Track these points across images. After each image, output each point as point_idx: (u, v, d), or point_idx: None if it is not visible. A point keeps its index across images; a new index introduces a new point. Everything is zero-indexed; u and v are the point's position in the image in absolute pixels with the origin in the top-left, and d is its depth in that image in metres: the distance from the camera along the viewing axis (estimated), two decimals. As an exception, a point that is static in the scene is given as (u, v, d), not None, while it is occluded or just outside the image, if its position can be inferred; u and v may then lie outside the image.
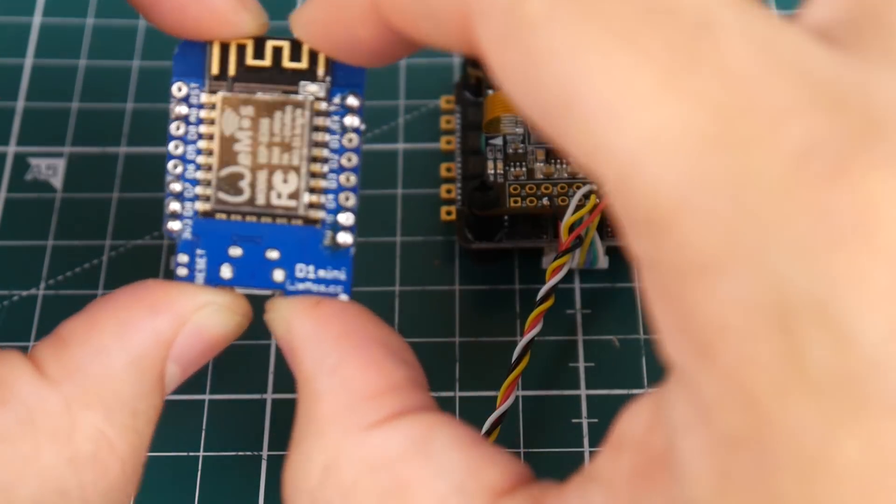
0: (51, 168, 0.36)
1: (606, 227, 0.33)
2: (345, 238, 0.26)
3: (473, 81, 0.35)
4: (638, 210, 0.16)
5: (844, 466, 0.15)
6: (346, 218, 0.26)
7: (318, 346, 0.23)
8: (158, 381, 0.24)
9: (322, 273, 0.26)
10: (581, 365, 0.32)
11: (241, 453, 0.31)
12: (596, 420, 0.32)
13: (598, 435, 0.31)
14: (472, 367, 0.32)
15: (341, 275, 0.26)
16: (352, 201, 0.26)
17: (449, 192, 0.35)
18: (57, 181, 0.36)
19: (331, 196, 0.26)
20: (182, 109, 0.26)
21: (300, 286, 0.26)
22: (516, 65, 0.17)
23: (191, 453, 0.31)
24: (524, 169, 0.33)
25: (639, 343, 0.33)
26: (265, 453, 0.31)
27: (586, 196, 0.31)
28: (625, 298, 0.34)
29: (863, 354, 0.14)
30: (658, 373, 0.32)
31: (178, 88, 0.26)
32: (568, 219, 0.31)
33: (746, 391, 0.15)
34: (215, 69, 0.26)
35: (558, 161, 0.33)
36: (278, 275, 0.26)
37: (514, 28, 0.17)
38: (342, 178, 0.26)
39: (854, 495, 0.15)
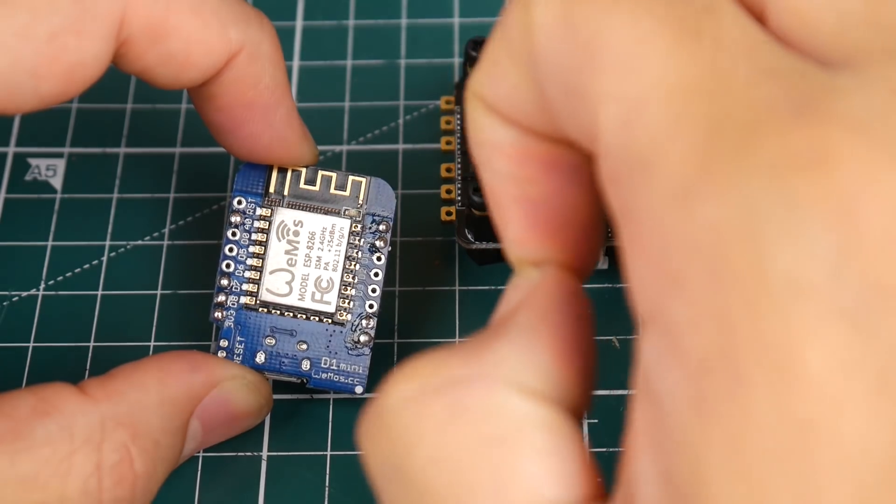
0: (51, 168, 0.36)
1: (606, 228, 0.33)
2: (365, 339, 0.31)
3: (473, 82, 0.35)
4: (634, 149, 0.18)
5: (811, 376, 0.16)
6: (368, 322, 0.31)
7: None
8: (182, 428, 0.28)
9: (343, 366, 0.31)
10: (581, 365, 0.32)
11: (241, 453, 0.31)
12: (596, 420, 0.32)
13: (599, 435, 0.31)
14: (471, 367, 0.32)
15: (359, 369, 0.31)
16: (374, 308, 0.31)
17: (449, 192, 0.35)
18: (57, 181, 0.36)
19: (357, 302, 0.31)
20: (239, 218, 0.31)
21: (323, 376, 0.31)
22: (558, 22, 0.19)
23: (191, 453, 0.31)
24: (524, 169, 0.33)
25: (639, 343, 0.33)
26: (265, 453, 0.31)
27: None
28: (624, 298, 0.34)
29: (821, 266, 0.16)
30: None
31: (239, 202, 0.31)
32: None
33: (717, 310, 0.16)
34: (272, 188, 0.31)
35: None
36: (305, 364, 0.31)
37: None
38: (369, 288, 0.31)
39: (822, 403, 0.16)
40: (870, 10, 0.19)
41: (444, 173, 0.35)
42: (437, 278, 0.34)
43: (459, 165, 0.34)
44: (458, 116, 0.35)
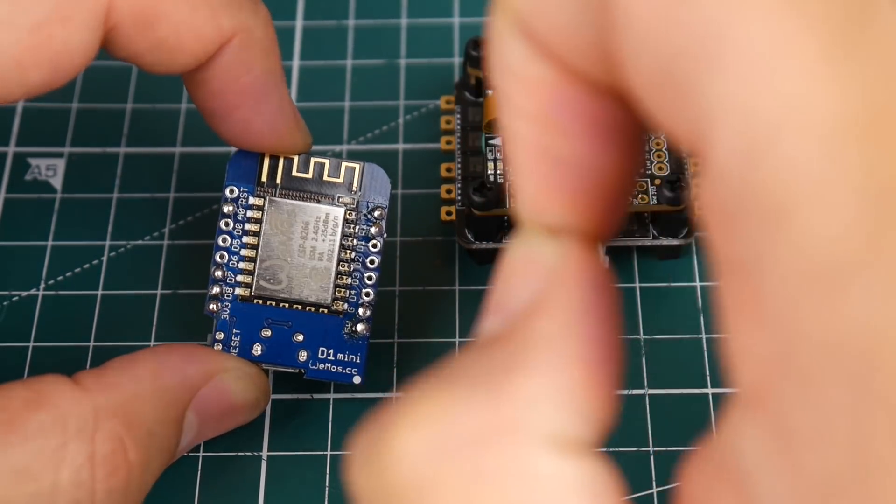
0: (51, 168, 0.36)
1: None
2: (362, 328, 0.30)
3: (473, 82, 0.35)
4: (765, 190, 0.14)
5: None
6: (364, 311, 0.30)
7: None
8: (178, 419, 0.28)
9: (340, 356, 0.30)
10: (581, 365, 0.32)
11: (241, 453, 0.31)
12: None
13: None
14: (472, 367, 0.32)
15: (356, 359, 0.30)
16: (371, 297, 0.30)
17: (449, 192, 0.35)
18: (57, 181, 0.36)
19: (353, 291, 0.30)
20: (231, 208, 0.30)
21: (320, 366, 0.30)
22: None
23: (191, 453, 0.31)
24: (524, 169, 0.33)
25: (639, 343, 0.33)
26: (265, 453, 0.31)
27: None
28: (625, 299, 0.34)
29: None
30: (658, 373, 0.32)
31: (231, 191, 0.30)
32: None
33: (857, 433, 0.13)
34: (265, 177, 0.30)
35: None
36: (302, 355, 0.30)
37: None
38: (365, 276, 0.30)
39: None
40: None
41: (444, 173, 0.35)
42: (437, 278, 0.34)
43: (459, 165, 0.34)
44: (458, 116, 0.35)
